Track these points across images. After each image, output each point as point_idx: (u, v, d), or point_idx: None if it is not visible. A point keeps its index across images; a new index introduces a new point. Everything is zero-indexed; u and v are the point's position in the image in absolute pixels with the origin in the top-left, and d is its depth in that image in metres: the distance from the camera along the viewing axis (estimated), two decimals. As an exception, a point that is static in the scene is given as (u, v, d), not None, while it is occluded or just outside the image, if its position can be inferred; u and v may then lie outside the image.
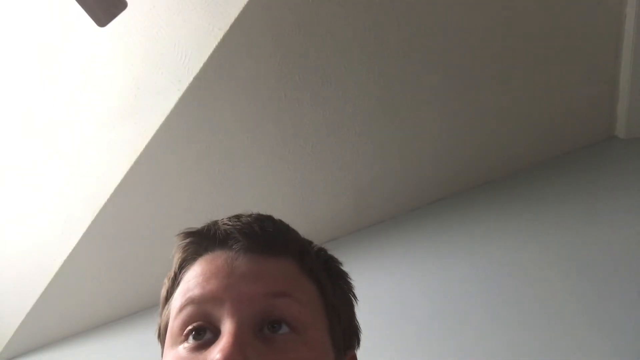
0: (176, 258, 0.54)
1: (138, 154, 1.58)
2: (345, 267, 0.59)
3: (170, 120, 1.53)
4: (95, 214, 1.68)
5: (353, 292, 0.57)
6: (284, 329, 0.45)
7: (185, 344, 0.45)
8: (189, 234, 0.54)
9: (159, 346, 0.53)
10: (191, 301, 0.47)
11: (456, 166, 1.71)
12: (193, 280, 0.49)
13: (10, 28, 1.51)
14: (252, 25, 1.40)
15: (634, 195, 1.48)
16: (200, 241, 0.53)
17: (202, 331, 0.45)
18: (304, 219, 1.73)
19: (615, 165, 1.61)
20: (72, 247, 1.73)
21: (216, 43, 1.41)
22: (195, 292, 0.47)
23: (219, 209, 1.71)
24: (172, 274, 0.54)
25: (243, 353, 0.41)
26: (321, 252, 0.57)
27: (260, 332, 0.45)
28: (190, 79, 1.46)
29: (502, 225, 1.58)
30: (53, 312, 1.85)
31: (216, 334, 0.45)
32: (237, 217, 0.54)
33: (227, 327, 0.44)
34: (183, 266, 0.52)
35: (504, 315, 1.35)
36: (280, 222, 0.55)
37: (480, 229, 1.60)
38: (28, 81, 1.59)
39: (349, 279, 0.58)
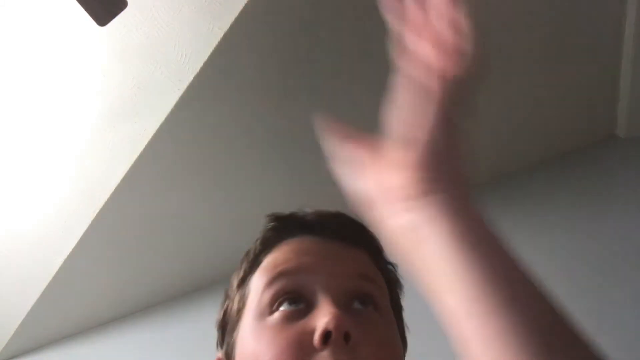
0: (258, 241, 0.54)
1: (138, 154, 1.58)
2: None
3: (171, 120, 1.53)
4: (95, 214, 1.68)
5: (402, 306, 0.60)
6: (371, 309, 0.47)
7: (276, 314, 0.45)
8: (275, 218, 0.55)
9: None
10: (284, 273, 0.48)
11: (456, 166, 1.71)
12: (282, 257, 0.50)
13: (9, 28, 1.51)
14: (253, 24, 1.39)
15: (634, 194, 1.48)
16: (286, 226, 0.54)
17: (297, 300, 0.46)
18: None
19: (615, 165, 1.61)
20: (72, 247, 1.72)
21: (216, 42, 1.41)
22: (288, 265, 0.48)
23: (219, 209, 1.71)
24: (251, 256, 0.53)
25: (349, 319, 0.43)
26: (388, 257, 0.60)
27: (350, 307, 0.46)
28: (191, 78, 1.46)
29: (502, 225, 1.57)
30: (53, 312, 1.85)
31: (309, 305, 0.45)
32: (320, 210, 0.56)
33: (324, 299, 0.45)
34: (266, 248, 0.53)
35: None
36: (360, 220, 0.55)
37: (481, 229, 1.59)
38: (28, 80, 1.58)
39: (403, 289, 0.60)
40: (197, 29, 1.42)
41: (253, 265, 0.52)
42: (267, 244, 0.53)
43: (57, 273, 1.77)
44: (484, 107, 1.60)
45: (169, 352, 1.67)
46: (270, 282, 0.47)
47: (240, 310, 0.50)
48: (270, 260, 0.50)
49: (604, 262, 1.36)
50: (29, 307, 1.83)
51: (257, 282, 0.49)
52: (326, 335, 0.41)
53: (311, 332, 0.43)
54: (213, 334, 0.61)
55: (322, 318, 0.43)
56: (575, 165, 1.65)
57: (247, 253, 0.54)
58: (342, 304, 0.45)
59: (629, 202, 1.47)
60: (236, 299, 0.52)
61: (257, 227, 1.82)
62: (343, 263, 0.49)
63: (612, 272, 1.32)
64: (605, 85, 1.60)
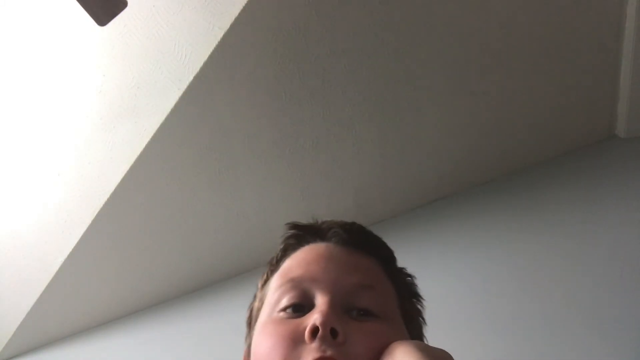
0: (280, 247, 0.61)
1: (138, 154, 1.58)
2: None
3: (170, 120, 1.53)
4: (95, 214, 1.68)
5: (423, 317, 0.63)
6: (370, 315, 0.51)
7: (282, 312, 0.52)
8: (293, 226, 0.61)
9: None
10: (291, 279, 0.53)
11: (456, 165, 1.71)
12: (295, 264, 0.56)
13: (9, 28, 1.51)
14: (252, 24, 1.39)
15: (634, 194, 1.48)
16: (304, 234, 0.60)
17: (299, 306, 0.52)
18: (304, 219, 1.72)
19: (615, 165, 1.61)
20: (72, 247, 1.72)
21: (216, 42, 1.41)
22: (296, 272, 0.54)
23: (219, 208, 1.71)
24: (273, 260, 0.60)
25: (337, 317, 0.48)
26: (403, 269, 0.64)
27: (348, 313, 0.51)
28: (191, 78, 1.46)
29: (502, 224, 1.58)
30: (53, 311, 1.85)
31: (309, 308, 0.51)
32: (335, 220, 0.61)
33: (321, 299, 0.50)
34: (285, 254, 0.59)
35: (503, 315, 1.35)
36: (372, 231, 0.62)
37: (480, 229, 1.60)
38: (28, 80, 1.58)
39: (422, 303, 0.63)
40: (197, 29, 1.42)
41: (274, 269, 0.59)
42: (286, 251, 0.59)
43: (57, 273, 1.77)
44: (483, 107, 1.61)
45: (169, 352, 1.67)
46: (280, 286, 0.54)
47: (259, 309, 0.57)
48: (285, 266, 0.57)
49: (603, 262, 1.36)
50: (29, 307, 1.83)
51: (273, 285, 0.56)
52: (314, 331, 0.46)
53: (304, 328, 0.48)
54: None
55: (314, 316, 0.48)
56: (575, 165, 1.65)
57: (271, 259, 0.61)
58: (338, 308, 0.50)
59: (628, 202, 1.47)
60: (258, 298, 0.59)
61: (256, 227, 1.82)
62: (346, 271, 0.53)
63: (611, 272, 1.32)
64: (605, 85, 1.60)
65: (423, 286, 0.62)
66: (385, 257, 0.60)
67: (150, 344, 1.74)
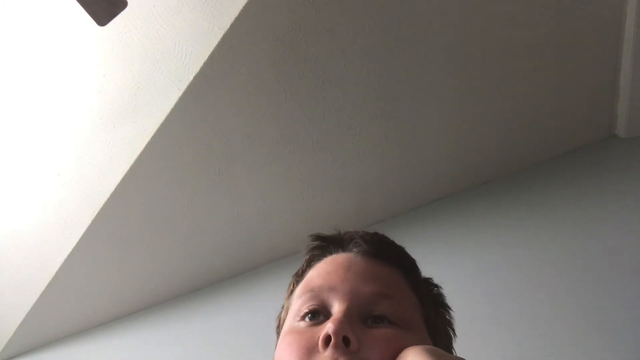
0: (305, 258, 0.63)
1: (138, 153, 1.58)
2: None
3: (170, 120, 1.53)
4: (95, 214, 1.68)
5: (453, 328, 0.64)
6: (386, 323, 0.51)
7: (302, 322, 0.53)
8: (317, 237, 0.63)
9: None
10: (311, 289, 0.55)
11: (456, 165, 1.71)
12: (316, 274, 0.58)
13: (9, 28, 1.51)
14: (252, 24, 1.40)
15: (634, 194, 1.48)
16: (327, 245, 0.62)
17: (317, 314, 0.53)
18: (304, 219, 1.73)
19: (615, 164, 1.61)
20: (72, 247, 1.72)
21: (216, 42, 1.41)
22: (316, 282, 0.56)
23: (219, 208, 1.71)
24: (299, 271, 0.62)
25: (350, 325, 0.48)
26: (429, 279, 0.65)
27: (364, 322, 0.51)
28: (191, 78, 1.46)
29: (502, 224, 1.58)
30: (53, 311, 1.85)
31: (327, 317, 0.52)
32: (358, 230, 0.63)
33: (337, 308, 0.52)
34: (310, 265, 0.61)
35: (504, 315, 1.35)
36: (395, 242, 0.64)
37: (481, 229, 1.60)
38: (28, 80, 1.58)
39: (451, 313, 0.64)
40: (197, 29, 1.42)
41: (299, 280, 0.61)
42: (310, 262, 0.62)
43: (57, 273, 1.77)
44: (483, 107, 1.61)
45: (169, 352, 1.67)
46: (301, 295, 0.56)
47: (284, 318, 0.59)
48: (308, 277, 0.59)
49: (603, 262, 1.36)
50: (29, 307, 1.83)
51: (296, 295, 0.58)
52: (327, 339, 0.47)
53: (319, 337, 0.49)
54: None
55: (327, 324, 0.49)
56: (575, 165, 1.65)
57: (297, 270, 0.63)
58: (355, 317, 0.51)
59: (628, 202, 1.47)
60: (284, 307, 0.62)
61: (256, 226, 1.82)
62: (365, 281, 0.54)
63: (611, 272, 1.32)
64: (605, 85, 1.60)
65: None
66: (407, 266, 0.60)
67: (150, 344, 1.74)
